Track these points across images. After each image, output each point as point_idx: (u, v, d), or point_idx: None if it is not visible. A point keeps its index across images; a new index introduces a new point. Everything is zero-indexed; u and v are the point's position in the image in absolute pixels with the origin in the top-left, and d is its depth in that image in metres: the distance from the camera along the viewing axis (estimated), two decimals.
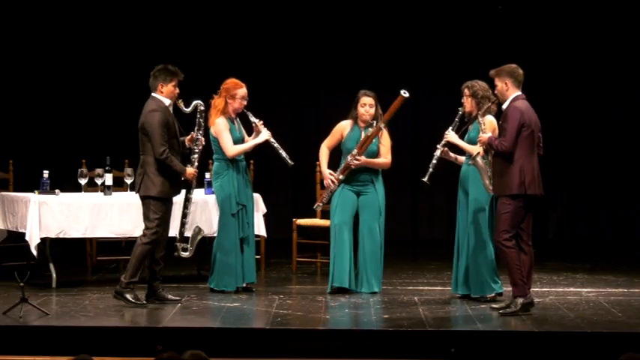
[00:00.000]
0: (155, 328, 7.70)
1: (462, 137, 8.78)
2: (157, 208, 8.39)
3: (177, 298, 8.65)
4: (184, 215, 8.70)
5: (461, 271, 8.79)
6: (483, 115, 8.56)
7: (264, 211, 9.92)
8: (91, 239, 10.16)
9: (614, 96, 12.51)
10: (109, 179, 9.45)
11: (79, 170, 9.63)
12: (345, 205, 9.11)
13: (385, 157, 9.17)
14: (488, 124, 8.60)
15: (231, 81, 9.06)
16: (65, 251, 10.49)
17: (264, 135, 9.07)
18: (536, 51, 12.25)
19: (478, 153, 8.40)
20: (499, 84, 8.15)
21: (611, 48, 12.46)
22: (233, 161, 9.03)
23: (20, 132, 12.35)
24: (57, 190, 9.38)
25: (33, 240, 9.10)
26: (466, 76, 11.49)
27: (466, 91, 8.72)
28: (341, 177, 9.14)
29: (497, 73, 8.18)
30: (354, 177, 9.14)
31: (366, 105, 9.12)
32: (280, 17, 12.57)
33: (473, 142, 8.64)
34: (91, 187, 9.77)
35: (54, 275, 9.29)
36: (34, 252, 9.13)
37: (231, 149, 8.99)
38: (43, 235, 9.16)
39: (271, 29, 12.55)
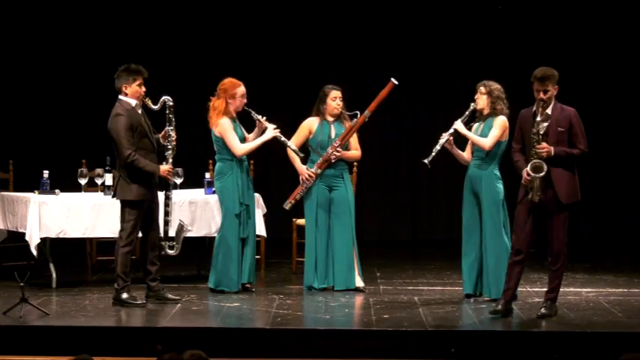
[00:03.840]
0: (155, 328, 7.70)
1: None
2: (132, 212, 8.33)
3: (177, 298, 8.64)
4: (166, 213, 8.58)
5: (470, 271, 8.70)
6: (495, 115, 8.62)
7: (264, 211, 9.92)
8: (91, 239, 10.15)
9: (614, 96, 12.50)
10: (109, 179, 9.45)
11: (79, 170, 9.63)
12: (322, 204, 9.18)
13: (356, 149, 9.27)
14: (502, 123, 8.65)
15: (228, 81, 9.02)
16: (65, 251, 10.47)
17: (271, 131, 9.03)
18: (536, 51, 12.23)
19: (542, 166, 7.89)
20: (551, 89, 8.05)
21: (612, 48, 12.45)
22: (238, 161, 9.00)
23: (20, 132, 12.34)
24: (57, 190, 9.38)
25: (33, 240, 9.10)
26: (466, 76, 11.52)
27: (482, 89, 8.74)
28: (319, 171, 9.17)
29: (550, 79, 8.04)
30: (327, 171, 9.18)
31: (337, 98, 9.23)
32: (280, 17, 12.56)
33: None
34: (91, 187, 9.77)
35: (54, 275, 9.28)
36: (34, 252, 9.13)
37: (240, 148, 8.95)
38: (43, 235, 9.16)
39: (271, 29, 12.54)
